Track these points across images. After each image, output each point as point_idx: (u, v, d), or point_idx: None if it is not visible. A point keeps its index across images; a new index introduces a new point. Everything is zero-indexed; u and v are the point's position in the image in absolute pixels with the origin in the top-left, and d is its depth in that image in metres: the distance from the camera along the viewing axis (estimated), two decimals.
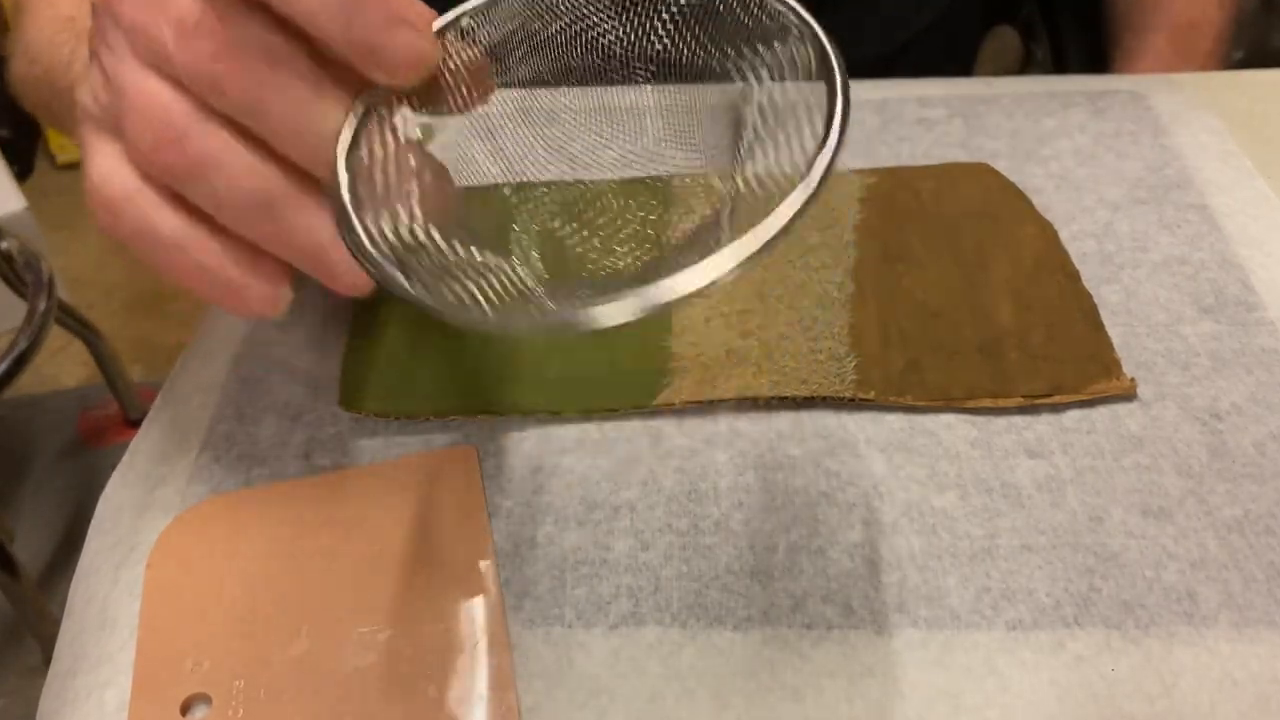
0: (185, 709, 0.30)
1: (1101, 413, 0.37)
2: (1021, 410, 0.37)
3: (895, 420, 0.37)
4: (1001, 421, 0.37)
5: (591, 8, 0.31)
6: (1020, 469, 0.35)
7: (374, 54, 0.26)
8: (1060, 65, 0.68)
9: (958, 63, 0.66)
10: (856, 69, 0.54)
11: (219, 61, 0.26)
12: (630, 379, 0.38)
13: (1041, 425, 0.37)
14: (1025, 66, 0.71)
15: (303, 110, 0.26)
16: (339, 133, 0.27)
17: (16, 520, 1.21)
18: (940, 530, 0.34)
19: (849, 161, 0.48)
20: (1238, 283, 0.41)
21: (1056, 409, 0.37)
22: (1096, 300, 0.41)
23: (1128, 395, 0.37)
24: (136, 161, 0.28)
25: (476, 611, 0.32)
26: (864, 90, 0.52)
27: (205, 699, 0.30)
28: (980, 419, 0.37)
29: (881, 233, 0.43)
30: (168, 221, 0.28)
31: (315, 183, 0.27)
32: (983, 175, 0.46)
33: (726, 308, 0.40)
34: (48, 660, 0.33)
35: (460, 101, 0.29)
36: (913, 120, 0.50)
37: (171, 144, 0.27)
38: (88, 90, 0.29)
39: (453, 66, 0.29)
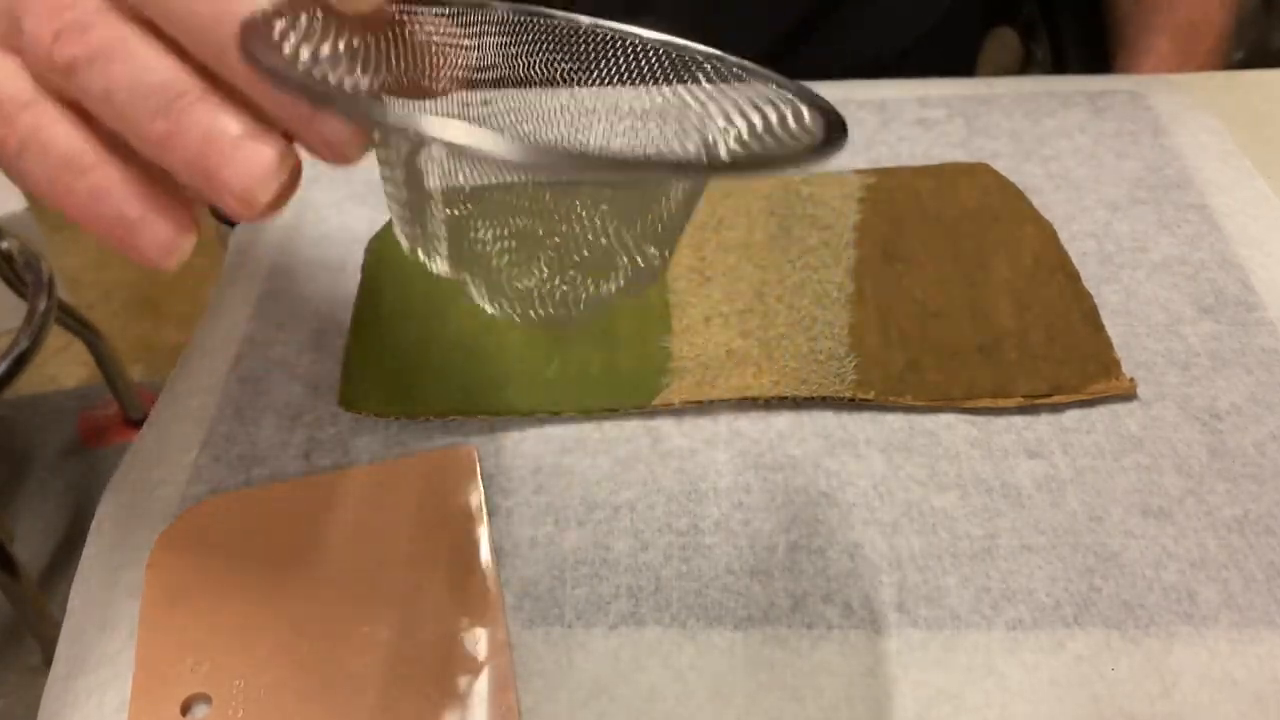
0: (185, 709, 0.30)
1: (1101, 413, 0.37)
2: (1021, 410, 0.37)
3: (895, 420, 0.37)
4: (1001, 421, 0.37)
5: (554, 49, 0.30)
6: (1020, 469, 0.35)
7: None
8: (1060, 65, 0.68)
9: (958, 63, 0.66)
10: (859, 72, 0.54)
11: None
12: (630, 379, 0.38)
13: (1041, 425, 0.37)
14: (1025, 67, 0.71)
15: (215, 9, 0.24)
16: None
17: (16, 520, 1.21)
18: (940, 530, 0.34)
19: (849, 161, 0.48)
20: (1237, 283, 0.41)
21: (1056, 409, 0.37)
22: (1096, 300, 0.41)
23: (1128, 395, 0.37)
24: (34, 63, 0.26)
25: (476, 611, 0.32)
26: (864, 90, 0.52)
27: (205, 699, 0.30)
28: (980, 419, 0.37)
29: (881, 233, 0.43)
30: (63, 134, 0.26)
31: (219, 86, 0.25)
32: (982, 175, 0.46)
33: (726, 308, 0.40)
34: (48, 660, 0.33)
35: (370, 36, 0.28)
36: (913, 120, 0.50)
37: (74, 34, 0.25)
38: None
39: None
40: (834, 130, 0.25)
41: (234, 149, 0.24)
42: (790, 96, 0.28)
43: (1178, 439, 0.36)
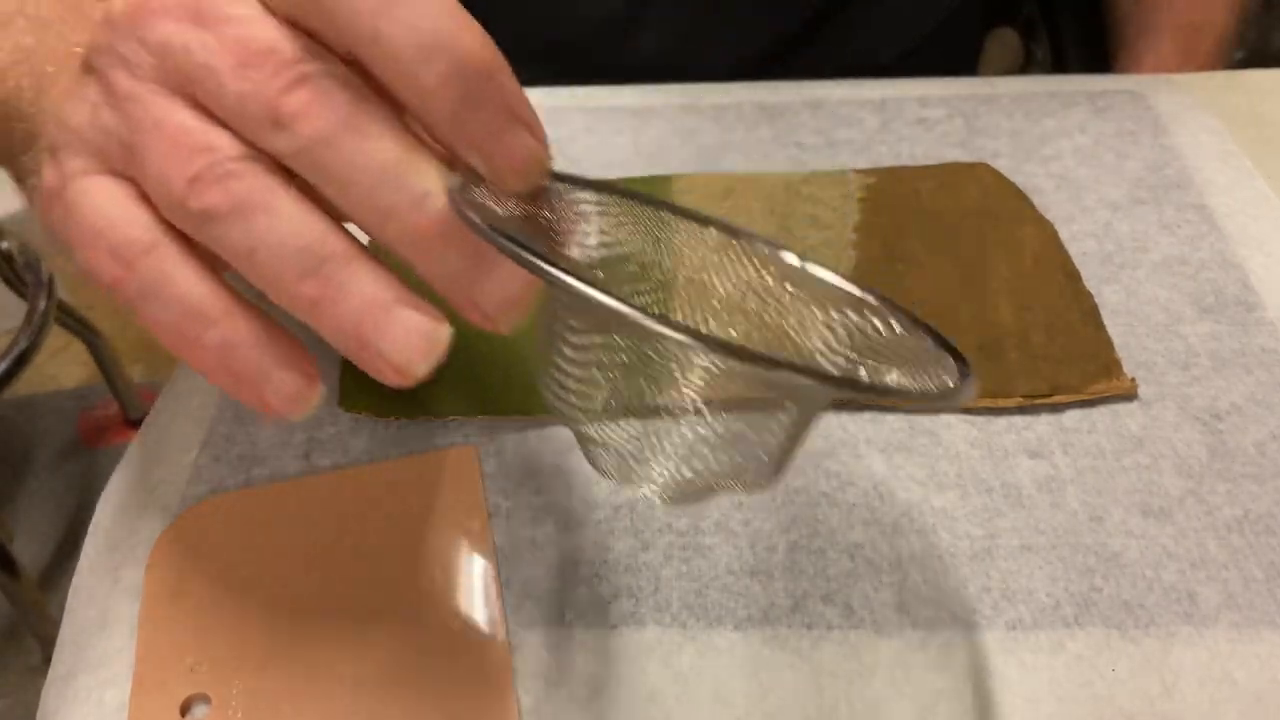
0: (185, 709, 0.30)
1: (1101, 413, 0.37)
2: (1021, 410, 0.37)
3: (895, 420, 0.37)
4: (1001, 421, 0.37)
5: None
6: (1020, 469, 0.35)
7: (485, 152, 0.24)
8: (1060, 65, 0.68)
9: (959, 63, 0.66)
10: (860, 73, 0.54)
11: (291, 94, 0.23)
12: None
13: (1041, 425, 0.37)
14: (1025, 66, 0.71)
15: (386, 165, 0.23)
16: (422, 196, 0.23)
17: (16, 520, 1.21)
18: (940, 530, 0.34)
19: (849, 162, 0.48)
20: (1237, 283, 0.41)
21: (1056, 409, 0.37)
22: (1097, 300, 0.41)
23: (1128, 395, 0.37)
24: (160, 201, 0.24)
25: (476, 612, 0.32)
26: (864, 90, 0.52)
27: (205, 699, 0.30)
28: (980, 419, 0.37)
29: (882, 233, 0.43)
30: (193, 284, 0.24)
31: (368, 249, 0.24)
32: (983, 175, 0.46)
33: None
34: (48, 660, 0.33)
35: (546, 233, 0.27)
36: (913, 120, 0.50)
37: (213, 183, 0.23)
38: (79, 112, 0.25)
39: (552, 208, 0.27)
40: (958, 360, 0.26)
41: (389, 317, 0.24)
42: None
43: (1178, 439, 0.36)
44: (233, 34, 0.23)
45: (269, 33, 0.23)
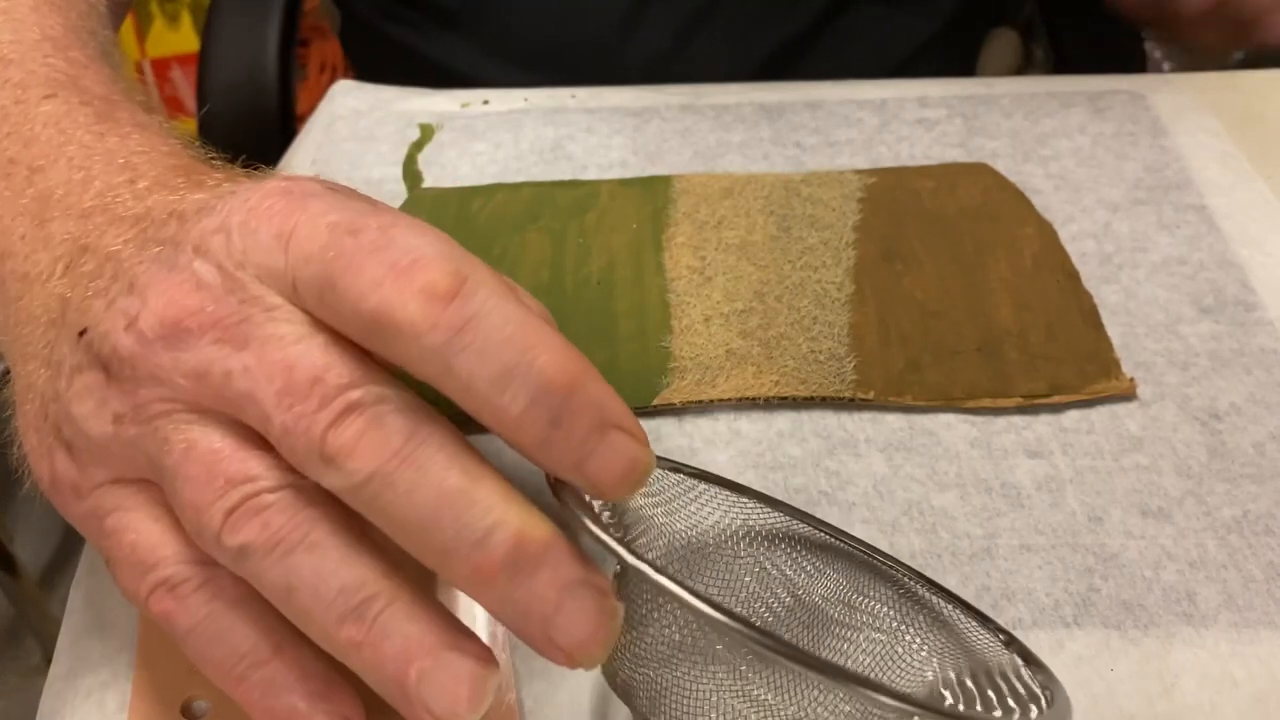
0: (186, 709, 0.30)
1: (1101, 413, 0.37)
2: (1021, 410, 0.37)
3: (895, 420, 0.37)
4: (1001, 421, 0.37)
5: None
6: (1020, 469, 0.35)
7: (584, 471, 0.22)
8: (1060, 66, 0.68)
9: (958, 63, 0.66)
10: (866, 77, 0.54)
11: (340, 428, 0.21)
12: (630, 379, 0.38)
13: (1041, 425, 0.37)
14: (1025, 67, 0.71)
15: (444, 501, 0.21)
16: (485, 534, 0.21)
17: (17, 520, 1.21)
18: (940, 530, 0.34)
19: (848, 162, 0.48)
20: (1237, 283, 0.41)
21: (1056, 409, 0.37)
22: (1096, 300, 0.41)
23: (1127, 395, 0.37)
24: (192, 532, 0.23)
25: (477, 611, 0.32)
26: (864, 90, 0.52)
27: (206, 699, 0.30)
28: (980, 419, 0.37)
29: (881, 233, 0.44)
30: (247, 624, 0.23)
31: (417, 585, 0.23)
32: (982, 175, 0.46)
33: (726, 308, 0.40)
34: (48, 660, 0.33)
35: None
36: (912, 120, 0.50)
37: (249, 516, 0.22)
38: (97, 418, 0.23)
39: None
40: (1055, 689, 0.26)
41: (434, 664, 0.22)
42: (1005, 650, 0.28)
43: (1177, 439, 0.36)
44: (275, 358, 0.22)
45: (315, 356, 0.22)
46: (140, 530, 0.23)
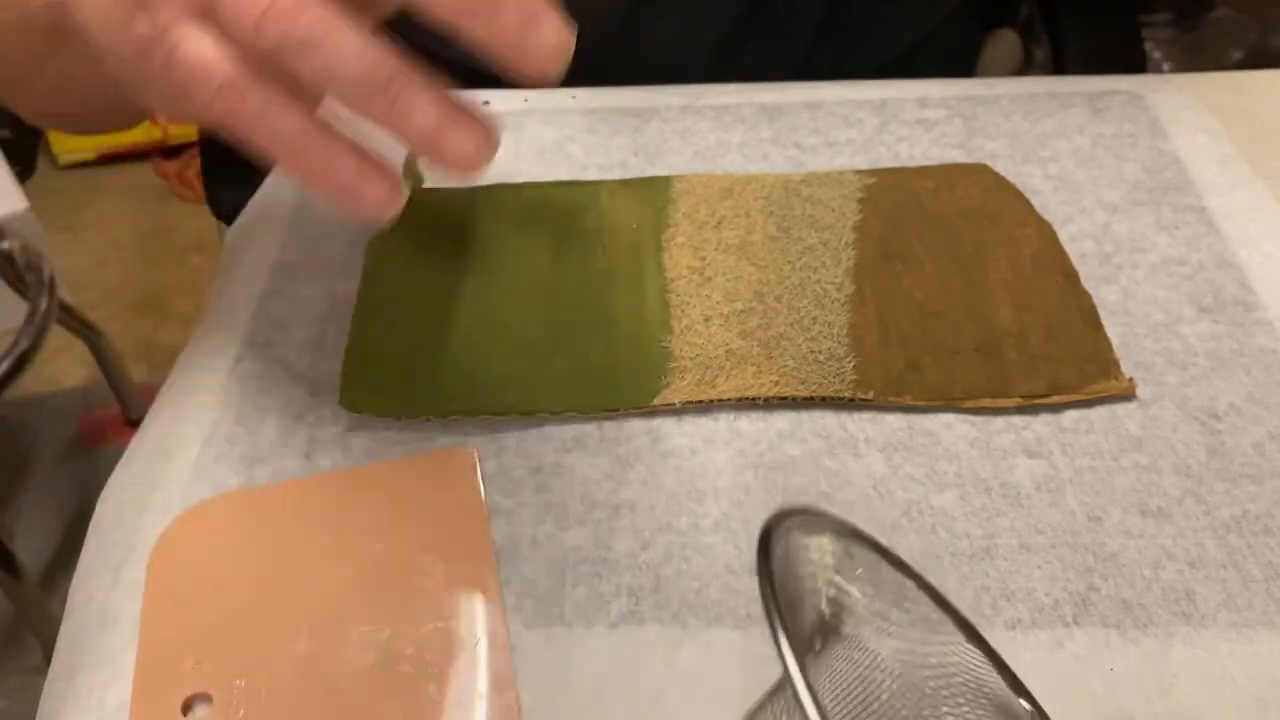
0: (186, 708, 0.30)
1: (1100, 413, 0.37)
2: (1020, 410, 0.37)
3: (894, 420, 0.37)
4: (1000, 421, 0.37)
5: None
6: (1019, 469, 0.35)
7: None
8: (1060, 66, 0.68)
9: (958, 64, 0.66)
10: (862, 73, 0.54)
11: None
12: (630, 379, 0.38)
13: (1040, 425, 0.37)
14: (1025, 68, 0.71)
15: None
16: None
17: (17, 520, 1.21)
18: (939, 530, 0.34)
19: (848, 162, 0.48)
20: (1235, 283, 0.41)
21: (1055, 409, 0.37)
22: (1095, 300, 0.41)
23: (1126, 395, 0.37)
24: (237, 37, 0.28)
25: (477, 611, 0.32)
26: (864, 90, 0.52)
27: (206, 698, 0.30)
28: (979, 419, 0.37)
29: (881, 233, 0.44)
30: (291, 119, 0.28)
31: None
32: (982, 176, 0.46)
33: (726, 308, 0.40)
34: (49, 660, 0.33)
35: None
36: (912, 121, 0.50)
37: (278, 19, 0.27)
38: None
39: None
40: None
41: (455, 123, 0.28)
42: None
43: (1176, 439, 0.36)
44: None
45: None
46: (203, 49, 0.28)
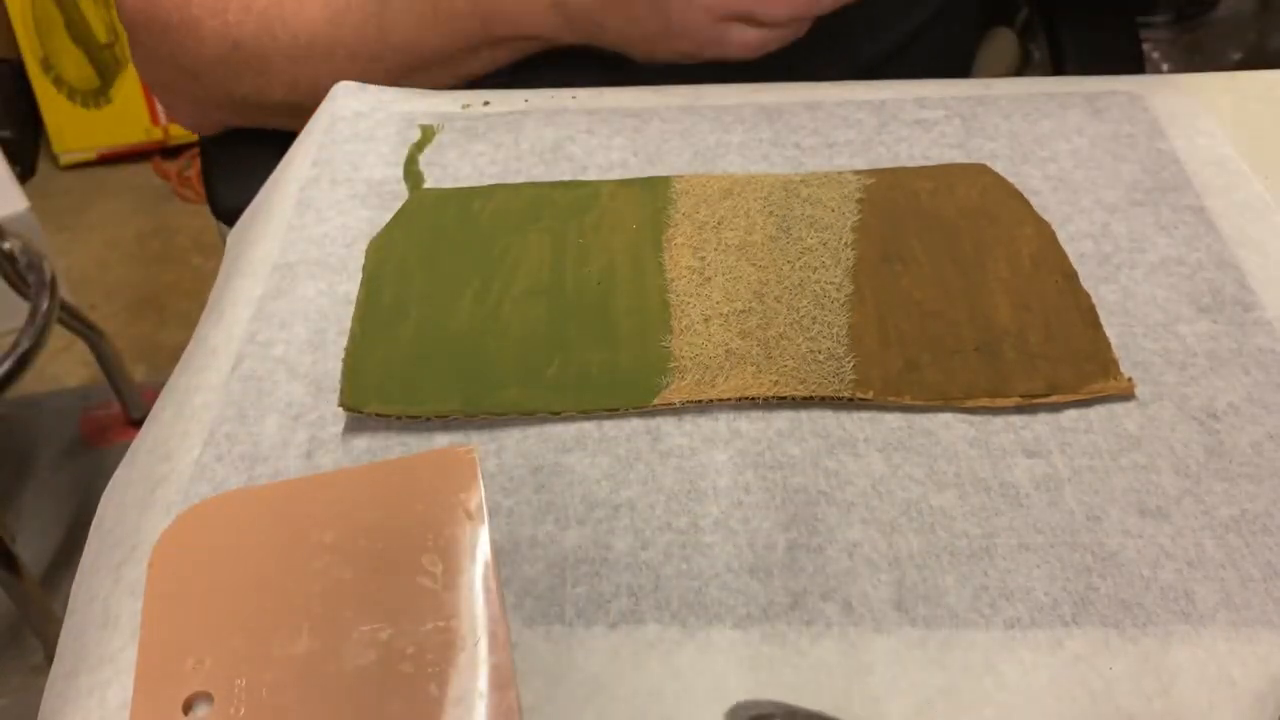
0: (187, 707, 0.30)
1: (1099, 412, 0.37)
2: (1019, 410, 0.37)
3: (894, 420, 0.37)
4: (999, 421, 0.37)
5: None
6: (1018, 468, 0.36)
7: None
8: (1058, 66, 0.68)
9: (955, 64, 0.67)
10: (850, 70, 0.54)
11: None
12: (630, 379, 0.38)
13: (1039, 425, 0.37)
14: (1023, 68, 0.71)
15: None
16: None
17: (19, 519, 1.21)
18: (938, 529, 0.34)
19: (847, 163, 0.48)
20: (1235, 283, 0.41)
21: (1054, 408, 0.37)
22: (1094, 300, 0.41)
23: (1125, 395, 0.38)
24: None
25: (477, 610, 0.32)
26: (862, 90, 0.52)
27: (207, 697, 0.31)
28: (978, 418, 0.37)
29: (879, 233, 0.44)
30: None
31: None
32: (981, 176, 0.47)
33: (725, 308, 0.40)
34: (50, 659, 0.34)
35: None
36: (911, 121, 0.50)
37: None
38: None
39: None
40: None
41: None
42: None
43: (1175, 438, 0.36)
44: None
45: None
46: (748, 37, 0.44)
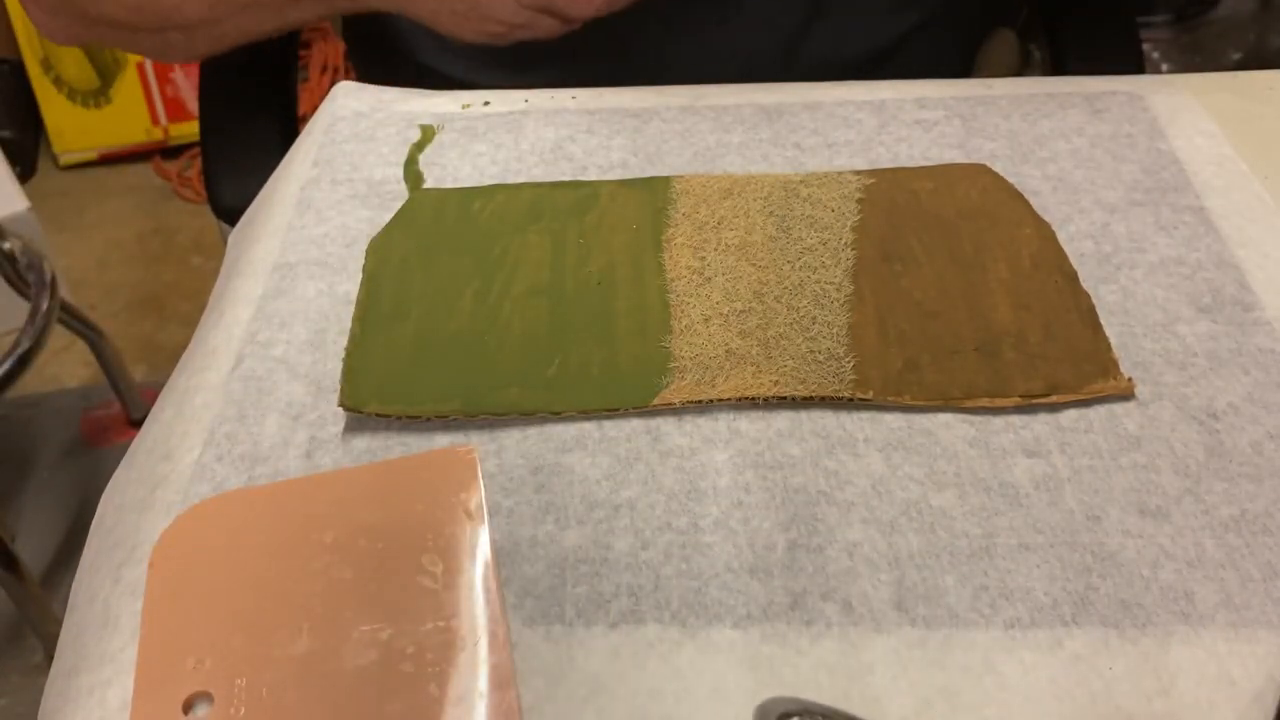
0: (187, 707, 0.30)
1: (1099, 412, 0.37)
2: (1019, 410, 0.37)
3: (893, 420, 0.37)
4: (999, 421, 0.37)
5: None
6: (1018, 468, 0.36)
7: None
8: (1058, 67, 0.68)
9: (956, 63, 0.66)
10: (848, 67, 0.54)
11: None
12: (630, 379, 0.38)
13: (1039, 425, 0.37)
14: (1023, 68, 0.71)
15: None
16: None
17: (19, 519, 1.21)
18: (938, 529, 0.34)
19: (847, 163, 0.48)
20: (1234, 283, 0.41)
21: (1054, 408, 0.37)
22: (1094, 300, 0.41)
23: (1125, 395, 0.38)
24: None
25: (477, 610, 0.32)
26: (862, 91, 0.52)
27: (207, 697, 0.31)
28: (978, 418, 0.37)
29: (880, 233, 0.44)
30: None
31: None
32: (981, 176, 0.47)
33: (726, 308, 0.40)
34: (50, 659, 0.34)
35: None
36: (911, 121, 0.50)
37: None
38: None
39: None
40: None
41: None
42: None
43: (1175, 438, 0.36)
44: None
45: None
46: (550, 25, 0.48)
